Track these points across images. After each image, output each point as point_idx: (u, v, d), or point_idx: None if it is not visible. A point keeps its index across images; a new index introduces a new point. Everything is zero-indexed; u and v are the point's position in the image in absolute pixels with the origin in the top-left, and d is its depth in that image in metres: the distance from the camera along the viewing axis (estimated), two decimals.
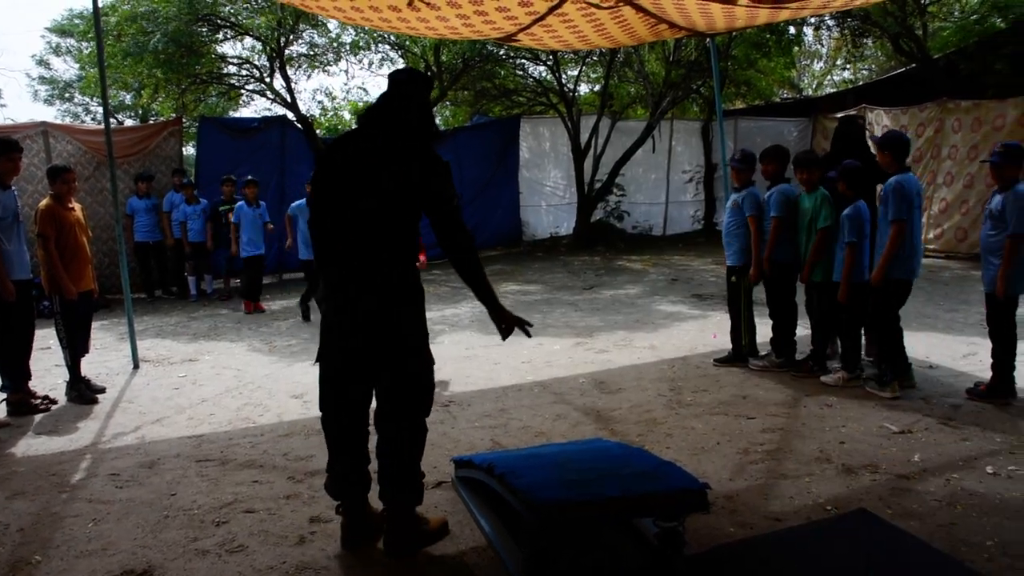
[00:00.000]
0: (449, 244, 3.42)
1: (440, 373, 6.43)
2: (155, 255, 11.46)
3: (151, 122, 15.53)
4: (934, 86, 13.28)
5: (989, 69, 12.90)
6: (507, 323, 3.51)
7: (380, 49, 15.03)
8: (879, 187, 5.93)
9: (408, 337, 3.41)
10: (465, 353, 7.45)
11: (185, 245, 11.18)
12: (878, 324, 5.68)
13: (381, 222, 3.30)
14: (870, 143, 6.28)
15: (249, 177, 10.42)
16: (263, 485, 4.33)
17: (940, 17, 15.39)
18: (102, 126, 7.60)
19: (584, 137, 15.74)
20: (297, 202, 9.20)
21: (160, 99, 15.52)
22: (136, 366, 7.15)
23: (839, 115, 15.18)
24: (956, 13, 15.15)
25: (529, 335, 3.66)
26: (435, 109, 16.66)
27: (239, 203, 10.22)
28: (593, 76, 17.86)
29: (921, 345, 6.77)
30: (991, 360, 5.46)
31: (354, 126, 3.83)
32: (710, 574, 3.37)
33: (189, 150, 15.54)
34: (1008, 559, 3.28)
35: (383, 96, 3.44)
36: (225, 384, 6.55)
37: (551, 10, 6.17)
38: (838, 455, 4.52)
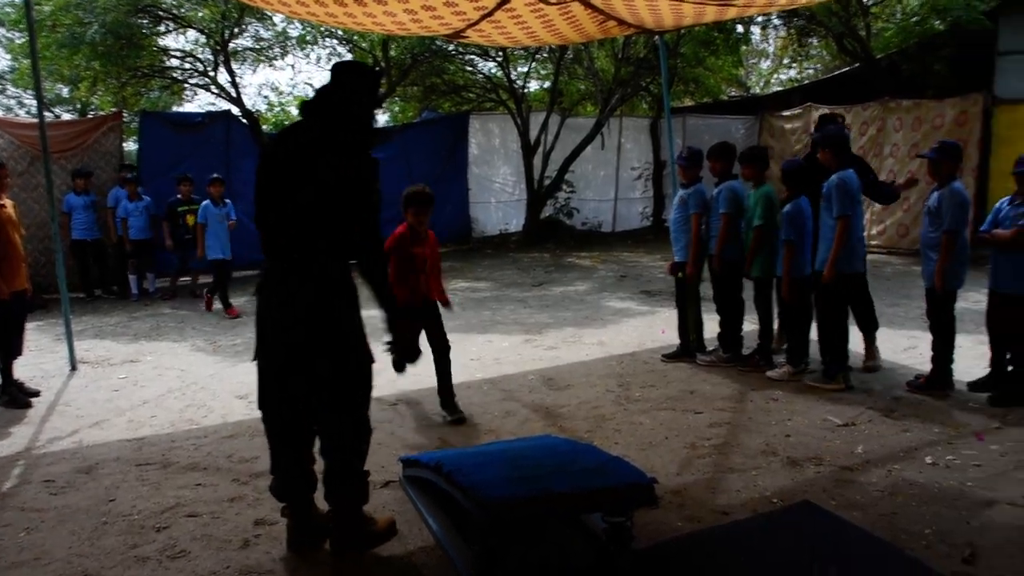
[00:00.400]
0: (367, 246, 3.43)
1: (387, 372, 6.40)
2: (94, 253, 11.04)
3: (90, 116, 15.11)
4: (876, 86, 13.57)
5: (929, 70, 13.24)
6: (403, 341, 3.73)
7: (328, 44, 14.87)
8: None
9: (348, 334, 3.37)
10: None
11: (126, 243, 10.86)
12: (825, 318, 5.76)
13: (318, 214, 3.27)
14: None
15: (215, 175, 10.02)
16: (206, 488, 4.23)
17: (882, 18, 15.71)
18: (36, 119, 7.36)
19: (534, 134, 15.75)
20: None
21: (99, 92, 15.10)
22: (73, 368, 6.92)
23: (785, 112, 15.48)
24: (897, 15, 15.49)
25: (403, 369, 3.82)
26: (384, 104, 16.53)
27: (205, 203, 9.69)
28: (543, 73, 17.88)
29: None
30: (931, 353, 5.59)
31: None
32: (658, 568, 3.38)
33: (130, 145, 15.14)
34: (945, 547, 3.36)
35: (325, 87, 3.39)
36: (167, 385, 6.39)
37: (499, 5, 6.14)
38: (783, 448, 4.59)
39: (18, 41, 18.03)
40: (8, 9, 18.90)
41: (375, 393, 5.85)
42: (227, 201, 9.90)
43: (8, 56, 21.04)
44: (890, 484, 4.04)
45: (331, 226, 3.30)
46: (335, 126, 3.32)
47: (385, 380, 6.27)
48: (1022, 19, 12.23)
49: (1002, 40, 12.40)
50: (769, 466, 4.35)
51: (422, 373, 6.43)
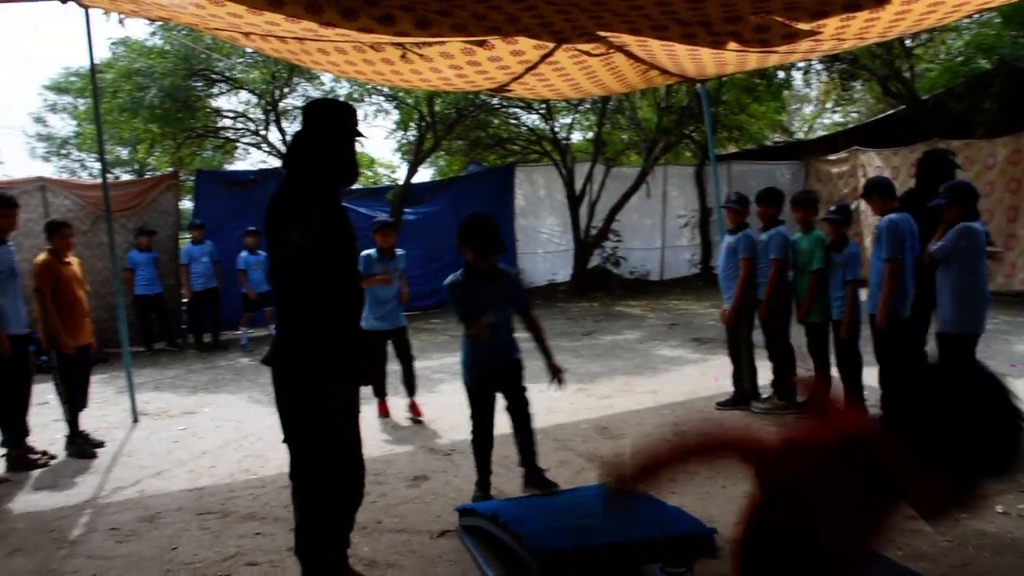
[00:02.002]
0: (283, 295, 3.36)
1: (441, 421, 6.46)
2: (156, 308, 11.33)
3: (147, 176, 15.64)
4: (924, 127, 13.46)
5: (978, 108, 13.08)
6: None
7: (374, 100, 15.20)
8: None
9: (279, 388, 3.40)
10: (465, 401, 7.38)
11: (251, 294, 10.88)
12: (881, 363, 5.66)
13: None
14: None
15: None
16: (265, 537, 4.28)
17: (926, 59, 15.63)
18: (99, 181, 7.66)
19: (579, 184, 15.87)
20: None
21: (156, 153, 15.66)
22: (135, 419, 7.09)
23: (831, 156, 15.38)
24: (941, 55, 15.41)
25: None
26: (429, 159, 16.79)
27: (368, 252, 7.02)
28: (586, 124, 18.06)
29: None
30: None
31: None
32: None
33: (186, 203, 15.62)
34: None
35: (297, 132, 3.47)
36: (225, 436, 6.51)
37: (543, 58, 6.27)
38: None
39: (82, 108, 18.84)
40: (73, 78, 19.82)
41: (426, 443, 5.89)
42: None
43: (73, 122, 21.98)
44: (959, 534, 3.92)
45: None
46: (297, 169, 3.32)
47: (439, 429, 6.30)
48: None
49: None
50: None
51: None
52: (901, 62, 14.05)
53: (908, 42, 13.53)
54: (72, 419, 6.11)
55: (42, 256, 6.09)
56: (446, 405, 6.96)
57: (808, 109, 27.40)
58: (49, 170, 24.44)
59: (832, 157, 15.47)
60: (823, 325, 6.09)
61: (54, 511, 4.88)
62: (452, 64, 6.27)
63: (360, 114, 17.20)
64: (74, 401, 6.12)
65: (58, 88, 22.11)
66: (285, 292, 3.24)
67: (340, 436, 3.32)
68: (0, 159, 43.78)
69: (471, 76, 6.75)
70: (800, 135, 24.90)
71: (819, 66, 15.47)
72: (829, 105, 24.36)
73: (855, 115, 23.56)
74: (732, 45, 5.65)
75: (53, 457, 6.00)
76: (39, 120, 24.95)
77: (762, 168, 16.99)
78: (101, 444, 6.27)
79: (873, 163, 13.87)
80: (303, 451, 3.35)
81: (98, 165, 7.78)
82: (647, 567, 3.54)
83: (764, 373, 6.66)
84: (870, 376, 5.92)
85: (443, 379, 8.35)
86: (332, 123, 3.27)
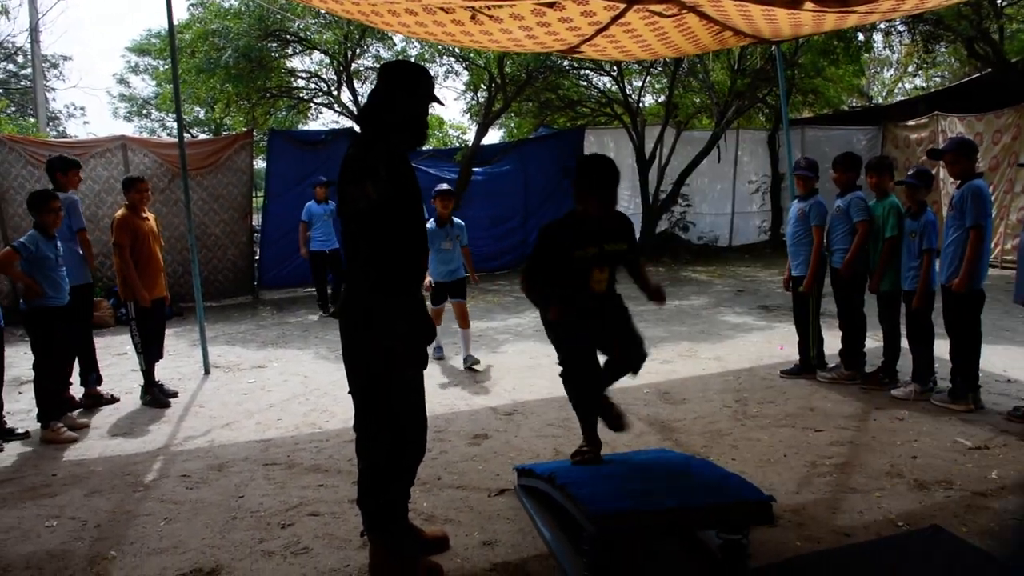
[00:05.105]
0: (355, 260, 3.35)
1: (503, 382, 6.52)
2: (332, 265, 10.35)
3: (224, 135, 15.97)
4: (1012, 91, 12.82)
5: None
6: None
7: (445, 61, 15.18)
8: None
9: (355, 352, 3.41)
10: (528, 363, 7.43)
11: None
12: (956, 335, 5.48)
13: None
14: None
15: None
16: (328, 489, 4.40)
17: (1018, 19, 14.83)
18: (176, 140, 7.86)
19: (649, 147, 15.64)
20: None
21: (232, 113, 15.96)
22: (207, 372, 7.33)
23: (910, 122, 14.83)
24: None
25: None
26: (498, 121, 16.68)
27: None
28: (657, 86, 17.73)
29: (999, 358, 6.54)
30: None
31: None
32: None
33: (259, 163, 15.91)
34: None
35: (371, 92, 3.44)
36: (292, 390, 6.68)
37: (614, 20, 6.15)
38: (910, 470, 4.39)
39: (162, 69, 19.33)
40: (154, 40, 20.31)
41: (488, 403, 5.97)
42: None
43: (153, 83, 22.56)
44: None
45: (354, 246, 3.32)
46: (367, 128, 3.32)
47: (502, 389, 6.38)
48: None
49: None
50: (894, 488, 4.17)
51: (537, 385, 6.51)
52: (990, 22, 13.36)
53: (999, 0, 12.82)
54: (147, 369, 6.35)
55: (121, 211, 6.30)
56: (506, 367, 7.01)
57: (888, 73, 26.40)
58: (130, 130, 25.22)
59: (911, 123, 14.91)
60: (894, 295, 5.92)
61: (129, 456, 5.11)
62: (522, 25, 6.20)
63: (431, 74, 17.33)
64: (149, 352, 6.36)
65: (140, 49, 22.69)
66: (354, 246, 3.29)
67: (403, 388, 3.37)
68: (86, 119, 45.27)
69: (541, 38, 6.68)
70: (879, 100, 24.02)
71: (901, 27, 14.84)
72: (910, 69, 23.39)
73: (937, 79, 22.61)
74: (808, 5, 5.45)
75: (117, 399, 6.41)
76: (122, 81, 25.72)
77: (837, 133, 16.48)
78: (175, 394, 6.52)
79: (955, 129, 13.33)
80: (367, 402, 3.39)
81: (176, 124, 7.96)
82: (703, 533, 3.54)
83: (832, 342, 6.53)
84: (941, 349, 5.75)
85: (507, 340, 8.40)
86: (407, 84, 3.30)
